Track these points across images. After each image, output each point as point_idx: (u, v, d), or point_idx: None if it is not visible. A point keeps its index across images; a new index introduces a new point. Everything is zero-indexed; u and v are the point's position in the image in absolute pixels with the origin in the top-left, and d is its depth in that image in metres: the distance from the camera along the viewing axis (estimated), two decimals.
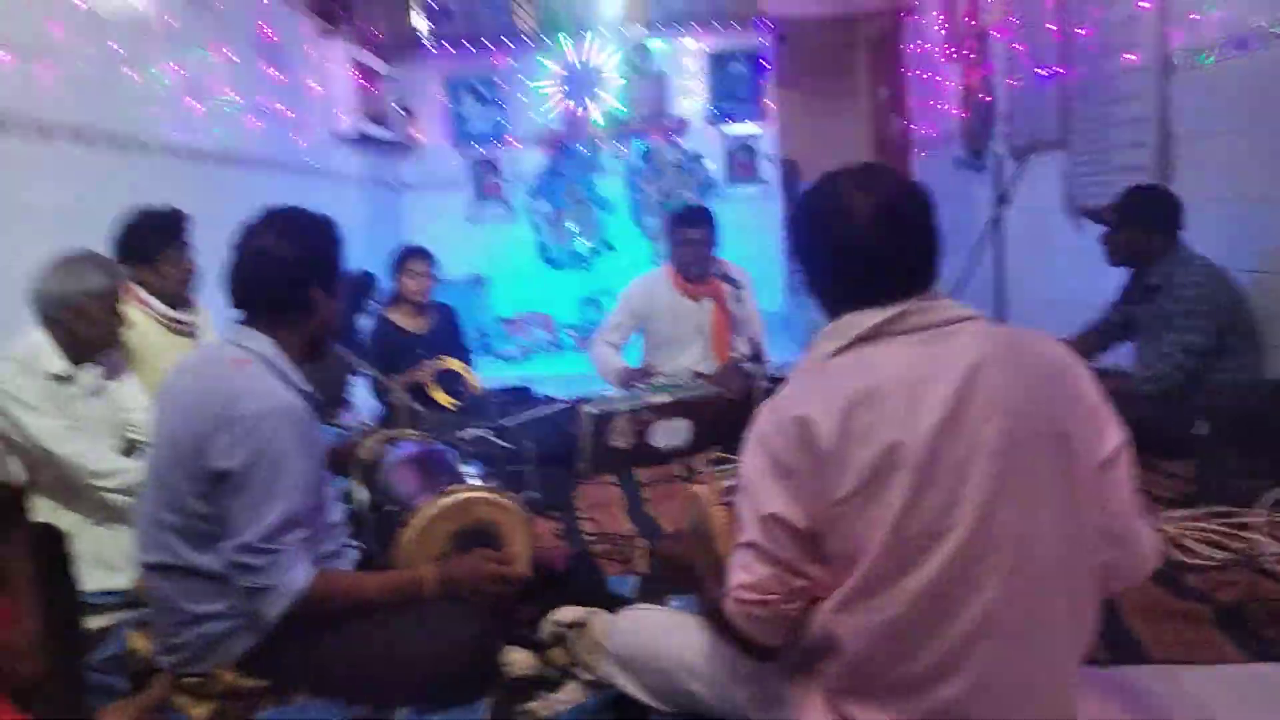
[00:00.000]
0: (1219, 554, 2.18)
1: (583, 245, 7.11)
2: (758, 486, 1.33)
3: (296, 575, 1.62)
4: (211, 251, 3.22)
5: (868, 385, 1.27)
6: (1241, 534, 2.26)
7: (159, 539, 1.69)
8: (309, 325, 1.78)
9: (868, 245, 1.35)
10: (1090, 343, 3.46)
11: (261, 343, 1.74)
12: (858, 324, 1.34)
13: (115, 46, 3.56)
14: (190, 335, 3.13)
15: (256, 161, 4.80)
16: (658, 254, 7.06)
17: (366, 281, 5.41)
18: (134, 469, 2.52)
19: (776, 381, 3.38)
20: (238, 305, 1.78)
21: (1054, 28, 4.41)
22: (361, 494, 2.12)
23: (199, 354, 1.90)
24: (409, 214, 7.17)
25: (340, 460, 2.16)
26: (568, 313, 6.91)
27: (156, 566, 1.71)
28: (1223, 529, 2.31)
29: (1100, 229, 3.22)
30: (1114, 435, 1.33)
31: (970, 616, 1.25)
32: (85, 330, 2.56)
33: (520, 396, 4.18)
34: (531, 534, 1.95)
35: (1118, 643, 1.78)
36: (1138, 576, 1.41)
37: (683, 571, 1.61)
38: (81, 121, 3.32)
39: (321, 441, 1.77)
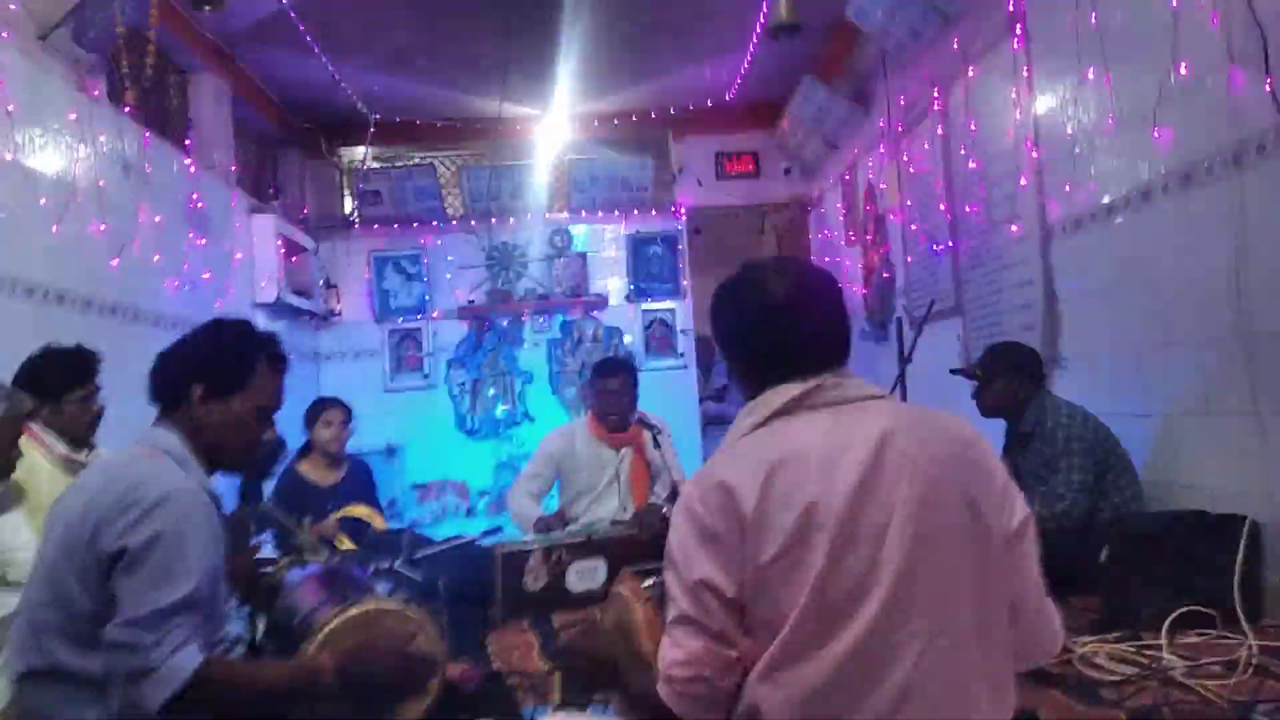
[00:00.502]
0: (1130, 669, 2.20)
1: (503, 411, 7.12)
2: (685, 555, 1.32)
3: (185, 658, 1.50)
4: (114, 399, 3.18)
5: (786, 452, 1.31)
6: (1151, 654, 2.29)
7: (37, 643, 1.57)
8: (202, 429, 1.73)
9: (784, 320, 1.42)
10: None
11: (170, 439, 1.70)
12: (775, 399, 1.39)
13: (43, 201, 3.61)
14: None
15: (171, 320, 4.78)
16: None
17: (274, 448, 5.30)
18: (7, 604, 2.35)
19: None
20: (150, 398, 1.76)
21: (944, 207, 4.81)
22: (262, 621, 2.01)
23: (106, 457, 1.84)
24: (326, 383, 7.12)
25: (242, 582, 2.05)
26: (482, 479, 6.82)
27: (31, 674, 1.58)
28: (1129, 649, 2.34)
29: (970, 386, 3.43)
30: (1020, 509, 1.38)
31: (893, 684, 1.23)
32: None
33: (430, 540, 4.06)
34: (444, 653, 1.86)
35: None
36: (1046, 652, 1.42)
37: (597, 666, 1.54)
38: (2, 270, 3.31)
39: (223, 538, 1.69)
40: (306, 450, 3.96)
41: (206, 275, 5.20)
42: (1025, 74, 3.88)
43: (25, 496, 2.77)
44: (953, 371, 3.55)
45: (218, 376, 1.75)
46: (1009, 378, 3.31)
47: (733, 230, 8.57)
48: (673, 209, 7.40)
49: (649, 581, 1.66)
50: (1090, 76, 3.39)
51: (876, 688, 1.23)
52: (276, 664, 1.69)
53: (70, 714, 1.55)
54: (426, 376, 7.20)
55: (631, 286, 7.31)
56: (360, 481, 3.98)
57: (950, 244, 4.79)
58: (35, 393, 2.82)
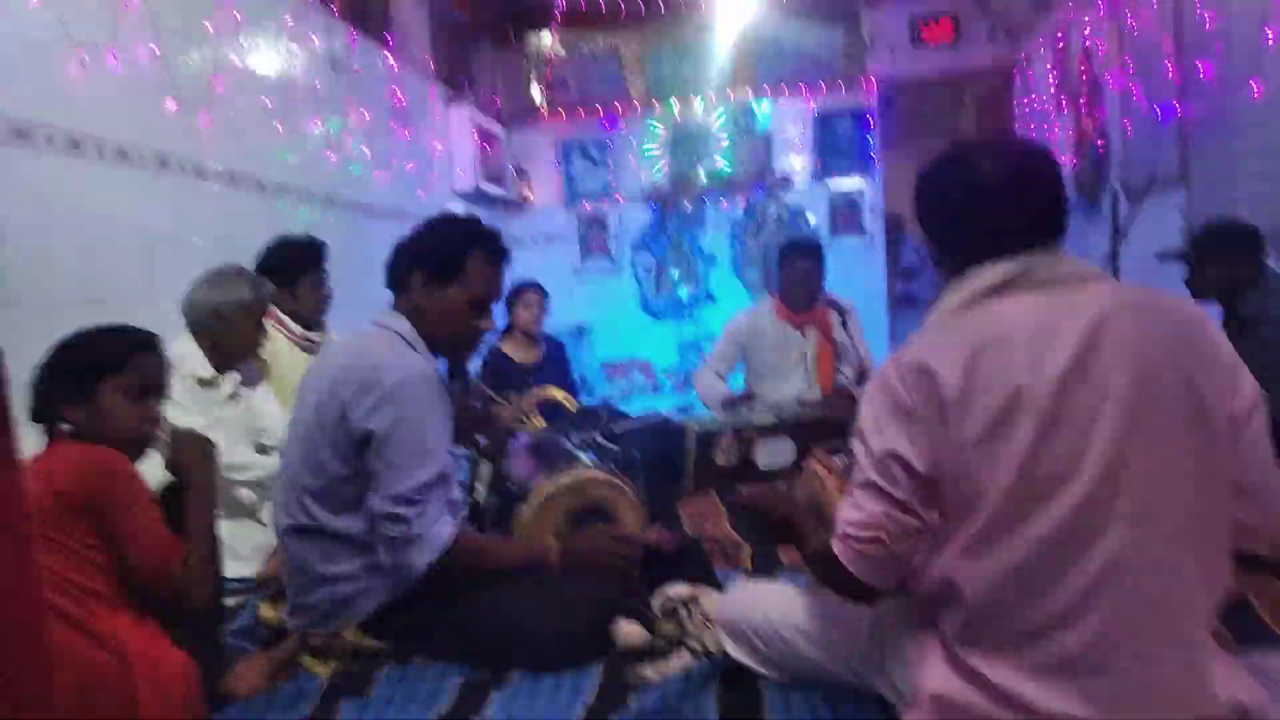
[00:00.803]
0: None
1: (686, 293, 7.23)
2: (877, 428, 1.33)
3: (444, 528, 1.70)
4: (335, 288, 3.49)
5: (992, 334, 1.28)
6: None
7: (298, 502, 1.80)
8: (422, 315, 1.86)
9: (992, 194, 1.37)
10: None
11: (400, 323, 1.86)
12: (983, 278, 1.35)
13: (266, 101, 3.90)
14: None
15: (381, 211, 5.11)
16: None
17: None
18: (266, 465, 2.68)
19: None
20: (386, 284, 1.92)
21: (1171, 67, 4.35)
22: (483, 479, 2.21)
23: (345, 336, 2.04)
24: (519, 267, 7.42)
25: (469, 434, 2.25)
26: (667, 359, 7.01)
27: (293, 529, 1.82)
28: None
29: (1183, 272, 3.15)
30: (1248, 392, 1.30)
31: (1095, 563, 1.23)
32: (230, 339, 2.75)
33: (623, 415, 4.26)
34: (643, 515, 1.99)
35: (1252, 633, 1.69)
36: (1272, 536, 1.35)
37: (776, 521, 1.59)
38: (234, 166, 3.63)
39: (451, 414, 1.86)
40: (508, 330, 4.19)
41: (410, 167, 5.50)
42: None
43: (272, 374, 3.13)
44: (1159, 256, 3.25)
45: (435, 265, 1.87)
46: (1223, 259, 3.01)
47: (929, 101, 8.12)
48: (863, 82, 7.06)
49: (839, 455, 1.69)
50: None
51: (1078, 568, 1.23)
52: (511, 542, 1.88)
53: (330, 566, 1.78)
54: (613, 260, 7.38)
55: (818, 164, 7.11)
56: (557, 359, 4.19)
57: (1177, 108, 4.34)
58: (272, 279, 3.15)
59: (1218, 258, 3.03)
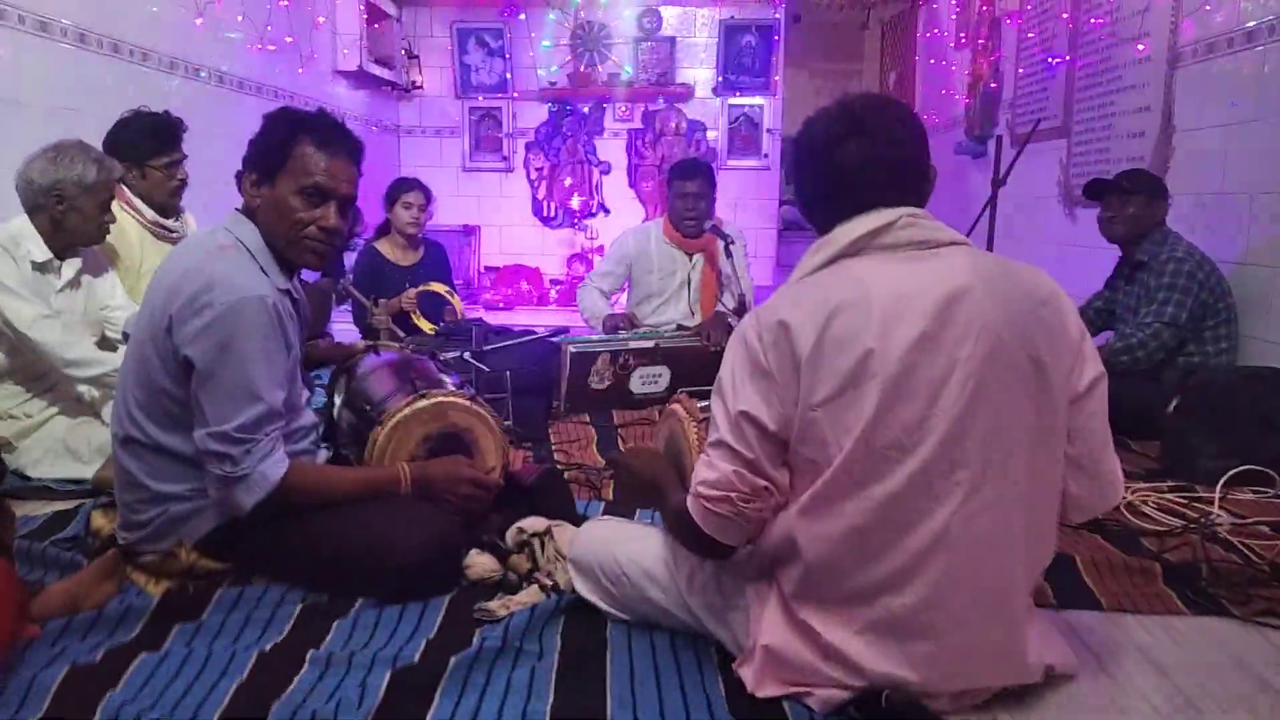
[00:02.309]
0: (1174, 520, 2.22)
1: (579, 201, 7.10)
2: (734, 386, 1.34)
3: (271, 467, 1.62)
4: (200, 167, 3.24)
5: (849, 296, 1.28)
6: (1199, 507, 2.30)
7: (128, 413, 1.69)
8: (256, 216, 1.73)
9: (846, 158, 1.36)
10: None
11: (248, 231, 1.73)
12: (843, 236, 1.36)
13: None
14: (174, 243, 3.12)
15: (253, 87, 4.77)
16: (649, 219, 7.06)
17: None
18: (108, 361, 2.51)
19: None
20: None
21: (1066, 16, 4.41)
22: (340, 396, 2.12)
23: (192, 236, 1.88)
24: (405, 157, 7.14)
25: (322, 359, 2.16)
26: (555, 267, 6.89)
27: (126, 440, 1.71)
28: (1180, 500, 2.35)
29: (1097, 211, 3.25)
30: (1091, 369, 1.35)
31: (929, 529, 1.27)
32: (71, 222, 2.53)
33: (501, 332, 4.19)
34: (504, 445, 1.96)
35: (1070, 591, 1.81)
36: (1099, 509, 1.43)
37: (644, 483, 1.61)
38: (85, 24, 3.29)
39: (296, 339, 1.76)
40: (385, 229, 4.01)
41: (290, 39, 5.12)
42: None
43: (120, 262, 2.91)
44: (1087, 191, 3.28)
45: (260, 158, 1.73)
46: (1146, 199, 3.11)
47: (835, 26, 8.05)
48: None
49: (704, 403, 1.69)
50: None
51: (913, 532, 1.27)
52: (355, 470, 1.80)
53: (160, 484, 1.68)
54: (505, 158, 7.14)
55: (720, 78, 6.99)
56: (437, 263, 4.04)
57: (1067, 58, 4.42)
58: (122, 157, 2.89)
59: (1142, 195, 3.12)
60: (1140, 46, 3.75)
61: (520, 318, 5.65)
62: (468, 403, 1.91)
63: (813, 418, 1.28)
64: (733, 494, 1.32)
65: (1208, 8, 3.27)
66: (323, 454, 1.94)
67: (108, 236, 2.69)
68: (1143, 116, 3.74)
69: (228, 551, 1.74)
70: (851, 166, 1.36)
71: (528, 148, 7.14)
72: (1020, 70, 5.04)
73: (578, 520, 1.99)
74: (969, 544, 1.28)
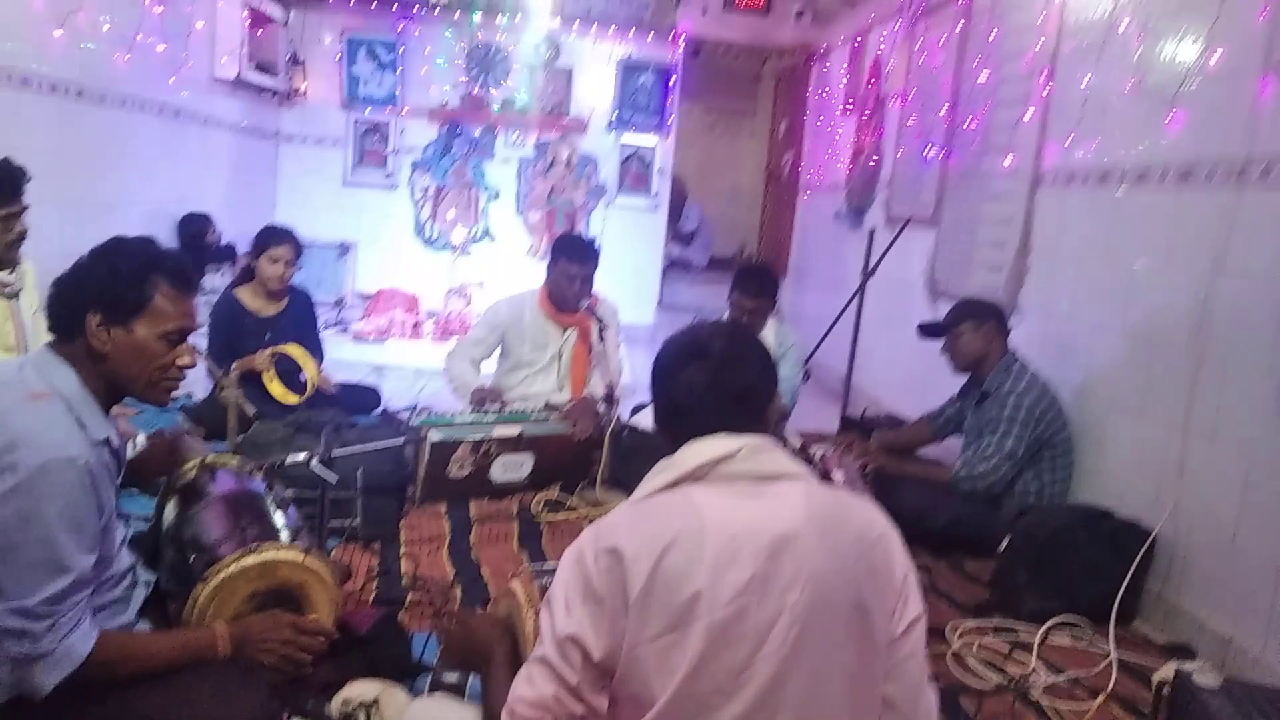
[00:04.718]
0: (993, 678, 2.33)
1: (464, 225, 6.96)
2: (565, 606, 1.32)
3: (77, 641, 1.51)
4: (59, 193, 3.03)
5: (685, 530, 1.29)
6: (1018, 657, 2.42)
7: None
8: (103, 360, 1.64)
9: (686, 378, 1.40)
10: (925, 429, 3.65)
11: (64, 378, 1.61)
12: (686, 461, 1.37)
13: None
14: (7, 296, 2.91)
15: (118, 99, 4.49)
16: (534, 249, 6.99)
17: (199, 223, 5.12)
18: None
19: (626, 428, 3.42)
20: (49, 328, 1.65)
21: (945, 112, 4.57)
22: (171, 517, 2.01)
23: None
24: (283, 167, 6.86)
25: (157, 470, 2.04)
26: (433, 299, 6.71)
27: None
28: (1002, 649, 2.47)
29: (940, 346, 3.40)
30: (913, 608, 1.39)
31: None
32: None
33: (366, 397, 4.07)
34: (336, 599, 1.89)
35: None
36: None
37: (473, 654, 1.59)
38: None
39: (113, 491, 1.64)
40: (247, 275, 3.83)
41: (161, 47, 4.83)
42: (1059, 1, 3.60)
43: None
44: (920, 329, 3.47)
45: (112, 302, 1.63)
46: (975, 326, 3.28)
47: (731, 67, 8.15)
48: (672, 34, 6.94)
49: (545, 580, 1.68)
50: (1121, 31, 3.15)
51: None
52: (169, 635, 1.70)
53: None
54: (389, 175, 6.95)
55: (615, 114, 6.98)
56: (300, 316, 3.87)
57: (943, 152, 4.60)
58: None
59: (969, 322, 3.29)
60: (1007, 160, 3.92)
61: (390, 354, 5.49)
62: (300, 557, 1.83)
63: (639, 654, 1.28)
64: (548, 716, 1.31)
65: (1069, 140, 3.44)
66: (140, 593, 1.83)
67: None
68: (1003, 228, 3.91)
69: None
70: (694, 392, 1.39)
71: (414, 166, 6.96)
72: (900, 152, 5.20)
73: (413, 671, 1.94)
74: None
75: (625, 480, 3.21)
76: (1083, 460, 3.20)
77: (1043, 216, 3.67)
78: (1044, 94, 3.66)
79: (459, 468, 3.10)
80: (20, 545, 1.46)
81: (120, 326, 1.62)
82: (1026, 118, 3.77)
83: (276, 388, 3.51)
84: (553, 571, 1.51)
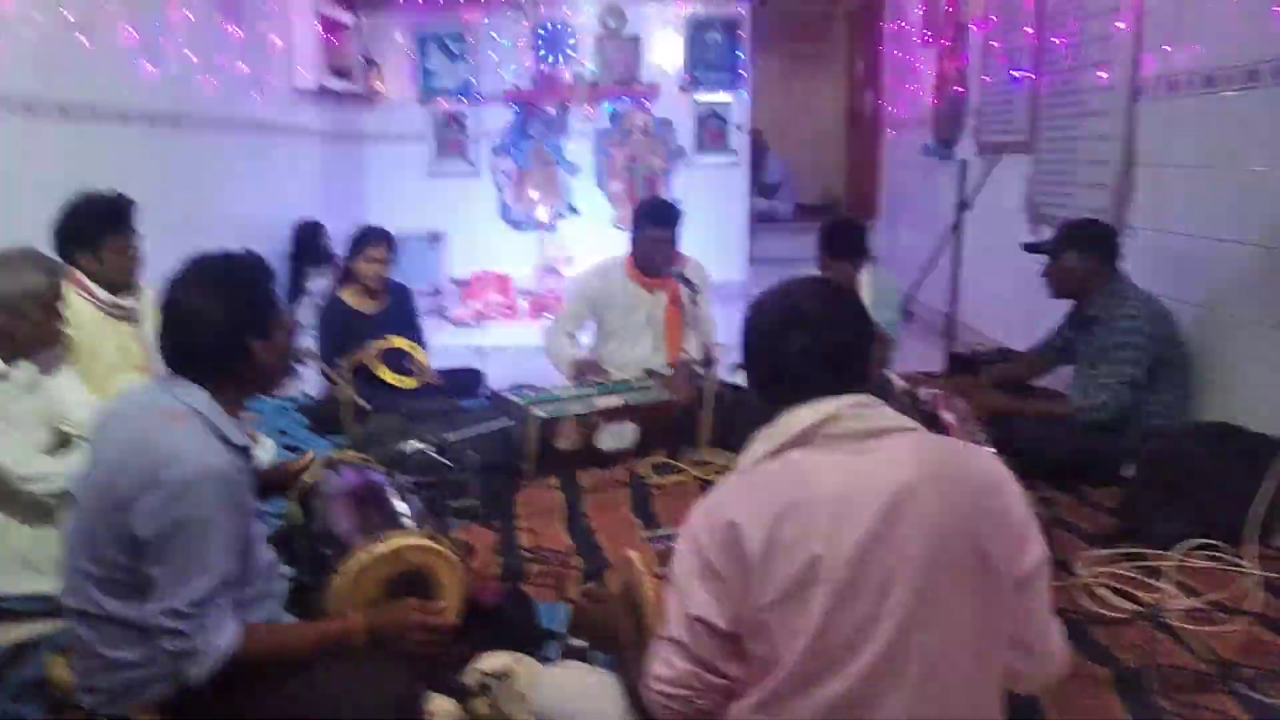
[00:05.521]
0: (1127, 606, 2.26)
1: (547, 204, 7.03)
2: (686, 586, 1.35)
3: (222, 637, 1.62)
4: (165, 217, 3.19)
5: (797, 496, 1.29)
6: (1152, 583, 2.34)
7: (79, 587, 1.68)
8: (248, 374, 1.75)
9: (784, 344, 1.39)
10: (1035, 362, 3.53)
11: (196, 396, 1.70)
12: (789, 427, 1.36)
13: (66, 14, 3.43)
14: (131, 320, 3.08)
15: (212, 121, 4.67)
16: (619, 220, 6.99)
17: (313, 229, 5.32)
18: (61, 473, 2.47)
19: (727, 387, 3.42)
20: (175, 369, 1.74)
21: (1030, 31, 4.37)
22: (297, 518, 2.12)
23: (130, 399, 1.84)
24: (370, 166, 7.05)
25: (280, 483, 2.15)
26: (525, 277, 6.81)
27: (76, 612, 1.70)
28: (1134, 576, 2.38)
29: (1042, 264, 3.26)
30: (1035, 551, 1.37)
31: None
32: (22, 331, 2.49)
33: (470, 380, 4.17)
34: (463, 577, 1.97)
35: (1018, 703, 1.84)
36: (1044, 682, 1.46)
37: (603, 633, 1.63)
38: (30, 92, 3.22)
39: (252, 495, 1.75)
40: (348, 277, 3.96)
41: (246, 68, 5.01)
42: None
43: (78, 347, 2.87)
44: (1025, 247, 3.34)
45: (257, 321, 1.74)
46: (1081, 254, 3.13)
47: (801, 11, 7.96)
48: None
49: (660, 544, 1.71)
50: None
51: None
52: (310, 626, 1.80)
53: (115, 651, 1.68)
54: (471, 163, 7.06)
55: (687, 76, 6.91)
56: (402, 309, 4.00)
57: (1032, 74, 4.39)
58: (71, 241, 2.86)
59: (1074, 251, 3.14)
60: (1102, 74, 3.72)
61: (491, 336, 5.62)
62: (425, 541, 1.91)
63: (763, 619, 1.30)
64: (689, 692, 1.35)
65: (1167, 48, 3.25)
66: (282, 586, 1.94)
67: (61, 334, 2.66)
68: (1104, 145, 3.73)
69: (187, 714, 1.74)
70: (793, 357, 1.38)
71: (493, 151, 7.06)
72: (986, 79, 5.00)
73: (542, 640, 2.01)
74: None
75: (729, 439, 3.22)
76: (1206, 378, 3.05)
77: (1147, 129, 3.48)
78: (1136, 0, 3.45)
79: (566, 440, 3.16)
80: (172, 551, 1.57)
81: (264, 338, 1.74)
82: (1120, 25, 3.57)
83: (388, 375, 3.62)
84: (667, 537, 1.54)
